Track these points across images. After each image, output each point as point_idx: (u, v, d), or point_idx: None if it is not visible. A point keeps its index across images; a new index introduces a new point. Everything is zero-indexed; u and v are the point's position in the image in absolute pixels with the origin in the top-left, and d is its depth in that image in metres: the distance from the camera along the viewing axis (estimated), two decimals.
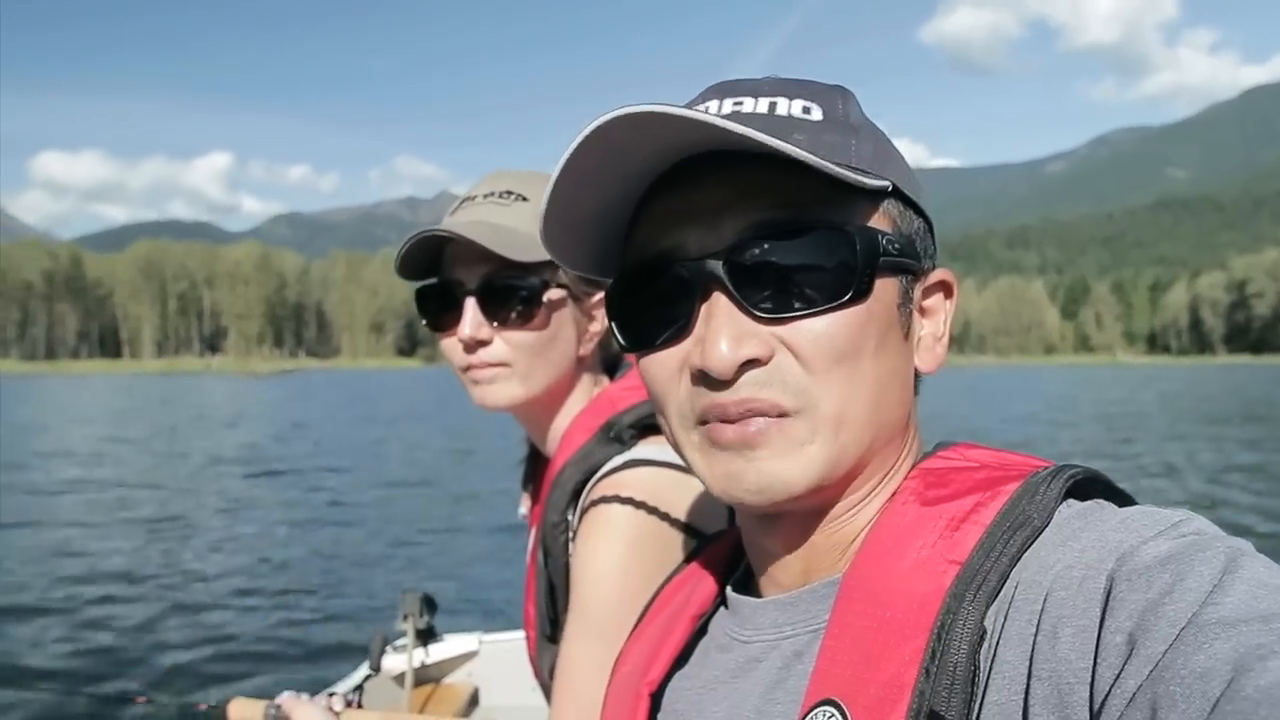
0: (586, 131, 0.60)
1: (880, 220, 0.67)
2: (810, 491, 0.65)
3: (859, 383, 0.64)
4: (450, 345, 1.29)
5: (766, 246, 0.63)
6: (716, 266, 0.64)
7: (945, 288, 0.74)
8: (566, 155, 0.62)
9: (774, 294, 0.63)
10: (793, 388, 0.63)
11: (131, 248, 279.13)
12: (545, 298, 1.26)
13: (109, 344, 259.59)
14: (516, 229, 1.27)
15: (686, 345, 0.66)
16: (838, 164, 0.61)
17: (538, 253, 1.23)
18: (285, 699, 1.26)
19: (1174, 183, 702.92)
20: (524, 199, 1.30)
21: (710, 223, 0.65)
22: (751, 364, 0.63)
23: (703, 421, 0.66)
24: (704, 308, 0.65)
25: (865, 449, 0.67)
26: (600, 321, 1.34)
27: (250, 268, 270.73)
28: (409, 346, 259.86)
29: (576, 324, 1.32)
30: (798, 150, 0.59)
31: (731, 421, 0.64)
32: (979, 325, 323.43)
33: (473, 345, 1.26)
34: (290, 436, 26.28)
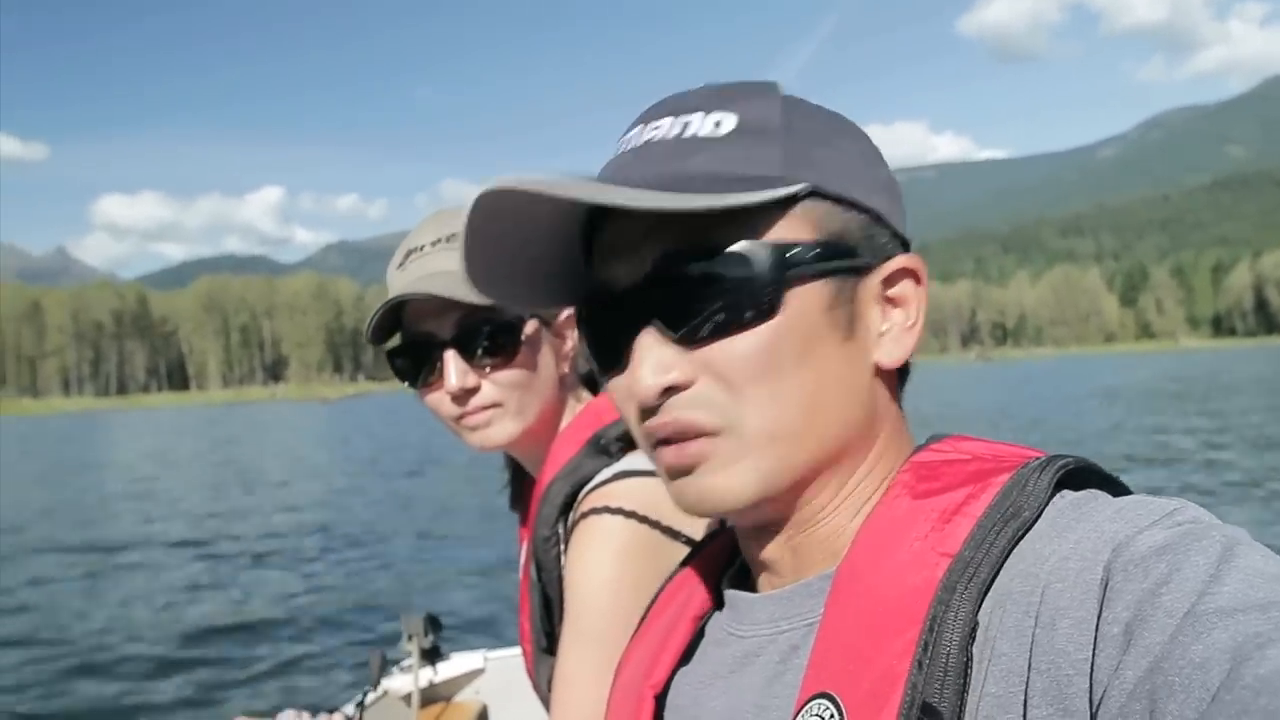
0: (469, 217, 0.64)
1: (794, 227, 0.66)
2: (753, 504, 0.67)
3: (784, 396, 0.65)
4: (437, 400, 1.29)
5: (674, 274, 0.65)
6: (636, 297, 0.66)
7: (911, 274, 0.72)
8: (463, 243, 0.65)
9: (688, 319, 0.65)
10: (718, 409, 0.65)
11: (193, 284, 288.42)
12: (523, 332, 1.27)
13: (176, 378, 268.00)
14: None
15: (626, 373, 0.69)
16: (741, 176, 0.64)
17: None
18: (286, 717, 1.25)
19: (1232, 161, 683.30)
20: None
21: (630, 255, 0.67)
22: (673, 390, 0.65)
23: (653, 443, 0.69)
24: (634, 337, 0.67)
25: (808, 458, 0.67)
26: (570, 339, 1.36)
27: (308, 297, 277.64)
28: None
29: (553, 347, 1.33)
30: (667, 199, 0.61)
31: (670, 442, 0.67)
32: (1035, 317, 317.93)
33: (462, 395, 1.26)
34: (329, 459, 27.04)
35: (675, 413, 0.65)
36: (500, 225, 0.66)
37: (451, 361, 1.25)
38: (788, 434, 0.66)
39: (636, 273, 0.67)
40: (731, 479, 0.66)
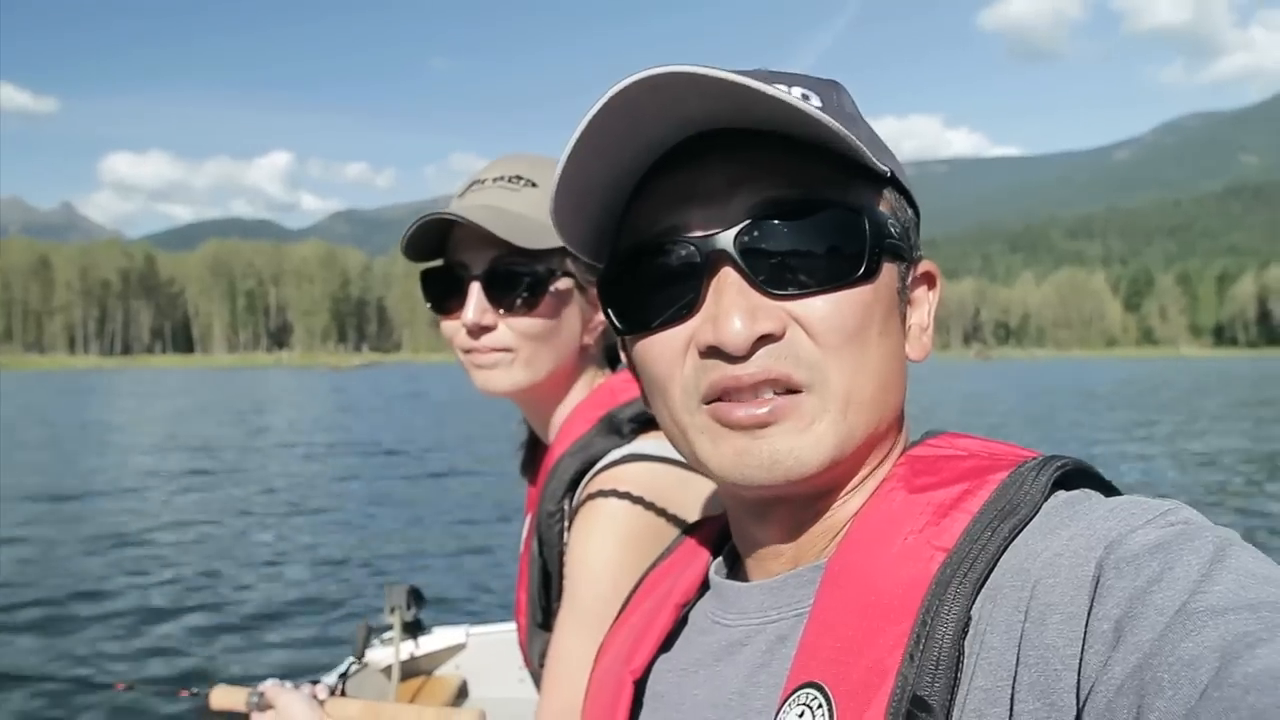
0: (610, 94, 0.59)
1: (883, 205, 0.68)
2: (820, 470, 0.65)
3: (867, 362, 0.65)
4: (453, 328, 1.29)
5: (777, 224, 0.64)
6: (727, 243, 0.64)
7: (929, 279, 0.75)
8: (588, 119, 0.61)
9: (784, 271, 0.64)
10: (806, 362, 0.64)
11: (201, 247, 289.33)
12: (551, 286, 1.26)
13: (180, 340, 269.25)
14: (525, 215, 1.26)
15: (693, 324, 0.66)
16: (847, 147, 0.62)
17: (546, 240, 1.23)
18: (268, 686, 1.27)
19: (1246, 169, 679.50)
20: (534, 185, 1.30)
21: (718, 200, 0.65)
22: (765, 339, 0.63)
23: (710, 400, 0.66)
24: (713, 285, 0.64)
25: (871, 430, 0.67)
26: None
27: (315, 265, 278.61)
28: None
29: (582, 313, 1.32)
30: (831, 120, 0.58)
31: (745, 395, 0.64)
32: (1038, 317, 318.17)
33: (476, 330, 1.26)
34: (332, 428, 26.62)
35: (767, 362, 0.63)
36: (605, 134, 0.63)
37: (475, 295, 1.25)
38: (861, 401, 0.65)
39: (724, 218, 0.65)
40: (806, 441, 0.64)
